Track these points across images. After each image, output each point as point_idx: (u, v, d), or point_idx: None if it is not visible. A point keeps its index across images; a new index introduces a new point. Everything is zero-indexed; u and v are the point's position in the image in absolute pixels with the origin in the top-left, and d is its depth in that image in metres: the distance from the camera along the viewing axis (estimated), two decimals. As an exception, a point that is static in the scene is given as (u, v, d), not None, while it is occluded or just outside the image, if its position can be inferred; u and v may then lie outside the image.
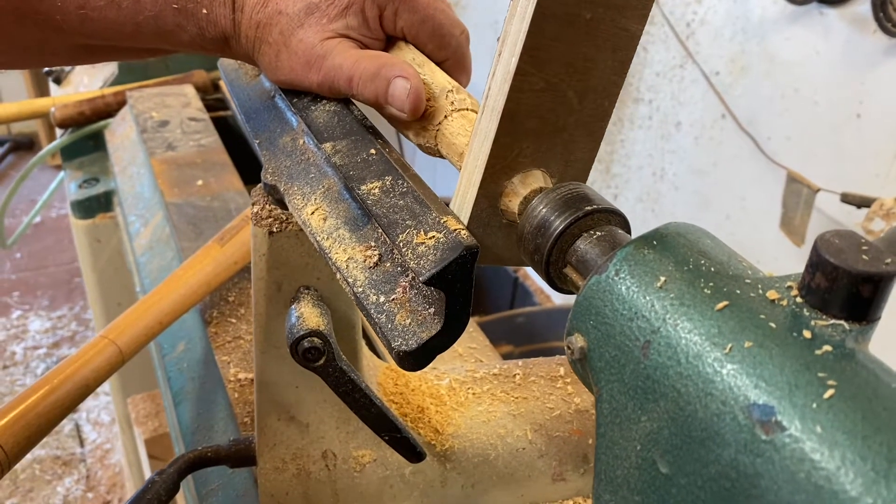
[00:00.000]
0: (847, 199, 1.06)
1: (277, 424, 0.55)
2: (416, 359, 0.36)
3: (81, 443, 2.15)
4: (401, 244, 0.37)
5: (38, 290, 2.69)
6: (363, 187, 0.41)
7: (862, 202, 1.03)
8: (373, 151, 0.43)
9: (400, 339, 0.37)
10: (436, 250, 0.35)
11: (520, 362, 0.65)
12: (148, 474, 1.54)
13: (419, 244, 0.36)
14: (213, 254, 0.77)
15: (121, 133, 1.23)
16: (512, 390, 0.61)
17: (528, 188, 0.37)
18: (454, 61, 0.49)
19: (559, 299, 2.21)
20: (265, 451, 0.55)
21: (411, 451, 0.51)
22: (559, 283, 0.35)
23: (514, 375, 0.63)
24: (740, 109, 1.35)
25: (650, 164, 1.62)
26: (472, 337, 0.77)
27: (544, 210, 0.35)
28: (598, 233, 0.33)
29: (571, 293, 0.35)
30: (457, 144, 0.42)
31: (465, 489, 0.57)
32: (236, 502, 0.63)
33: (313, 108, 0.49)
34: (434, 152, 0.45)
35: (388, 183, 0.40)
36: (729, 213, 1.42)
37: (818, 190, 1.14)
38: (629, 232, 0.34)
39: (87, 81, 1.49)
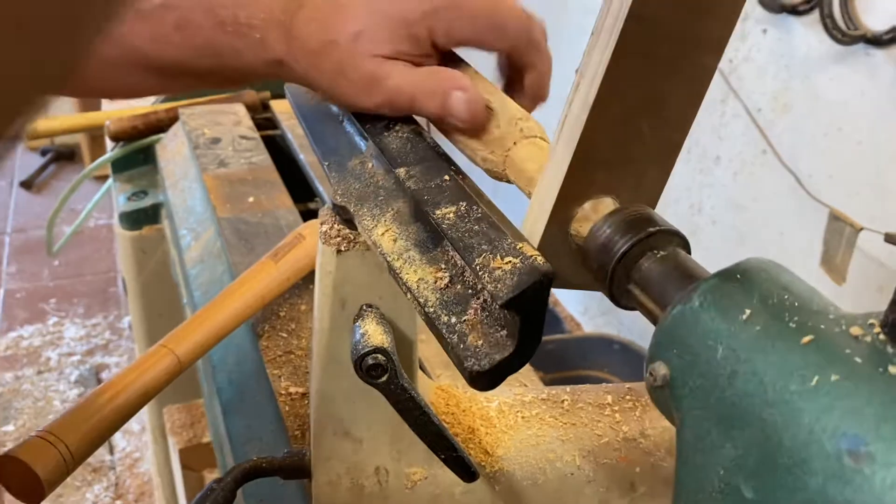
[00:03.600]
0: (891, 239, 1.06)
1: (333, 439, 0.56)
2: (488, 379, 0.38)
3: (111, 450, 2.18)
4: (477, 268, 0.38)
5: (75, 298, 2.74)
6: (438, 212, 0.43)
7: (906, 243, 1.03)
8: (447, 177, 0.45)
9: (473, 360, 0.38)
10: (513, 275, 0.37)
11: (567, 388, 0.66)
12: (180, 484, 1.56)
13: (496, 268, 0.37)
14: (268, 269, 0.79)
15: (172, 148, 1.27)
16: (560, 416, 0.62)
17: (598, 214, 0.38)
18: (522, 46, 0.50)
19: (589, 327, 2.21)
20: (320, 464, 0.56)
21: (466, 470, 0.52)
22: (623, 301, 0.36)
23: (563, 401, 0.64)
24: (782, 146, 1.35)
25: (687, 197, 1.63)
26: (517, 361, 0.78)
27: (609, 230, 0.37)
28: (662, 252, 0.35)
29: (634, 309, 0.37)
30: (526, 170, 0.44)
31: (513, 511, 0.58)
32: (285, 514, 0.64)
33: (386, 134, 0.51)
34: (502, 177, 0.46)
35: (462, 208, 0.42)
36: (767, 249, 1.42)
37: (861, 229, 1.14)
38: (689, 252, 0.36)
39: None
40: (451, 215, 0.42)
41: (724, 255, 1.57)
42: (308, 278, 0.86)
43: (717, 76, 1.50)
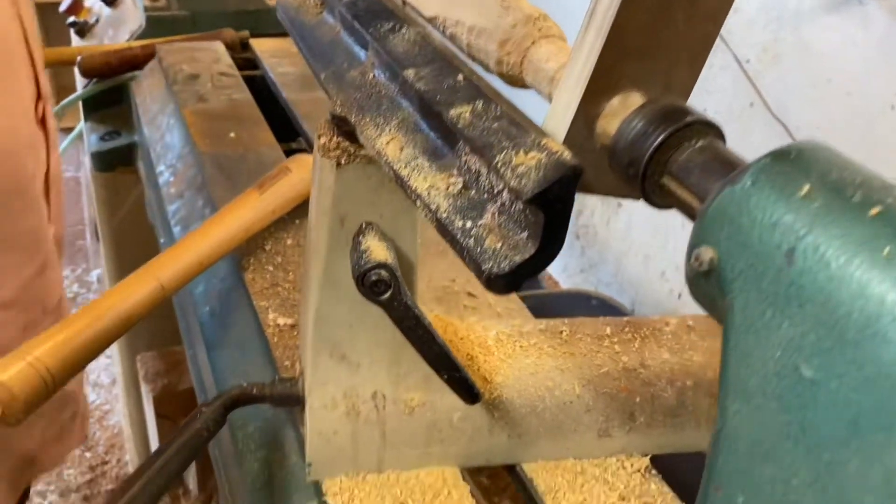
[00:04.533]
0: (879, 189, 1.05)
1: (329, 362, 0.54)
2: (507, 281, 0.36)
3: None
4: (498, 165, 0.36)
5: (42, 250, 2.67)
6: (452, 111, 0.40)
7: None
8: (460, 77, 0.42)
9: (491, 262, 0.36)
10: (538, 170, 0.34)
11: (566, 320, 0.64)
12: (153, 433, 1.53)
13: (518, 164, 0.35)
14: (253, 200, 0.77)
15: (148, 85, 1.22)
16: (559, 346, 0.61)
17: (627, 110, 0.36)
18: None
19: (567, 285, 2.21)
20: (316, 389, 0.54)
21: (469, 391, 0.51)
22: (655, 197, 0.35)
23: (561, 332, 0.62)
24: (771, 98, 1.34)
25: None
26: (511, 298, 0.77)
27: (641, 123, 0.35)
28: (700, 142, 0.33)
29: (668, 207, 0.35)
30: (546, 69, 0.42)
31: (512, 439, 0.57)
32: (274, 444, 0.62)
33: (391, 37, 0.48)
34: (518, 81, 0.44)
35: (479, 107, 0.40)
36: (750, 202, 1.41)
37: (848, 180, 1.13)
38: (725, 143, 0.34)
39: (111, 34, 1.48)
40: (467, 114, 0.39)
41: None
42: (294, 213, 0.84)
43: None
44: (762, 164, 0.28)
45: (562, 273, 2.19)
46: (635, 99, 0.36)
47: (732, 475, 0.26)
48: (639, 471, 0.59)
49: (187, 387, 1.39)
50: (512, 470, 0.59)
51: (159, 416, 1.42)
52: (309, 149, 1.05)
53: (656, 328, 0.64)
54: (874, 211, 0.24)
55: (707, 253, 0.28)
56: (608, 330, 0.63)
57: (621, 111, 0.36)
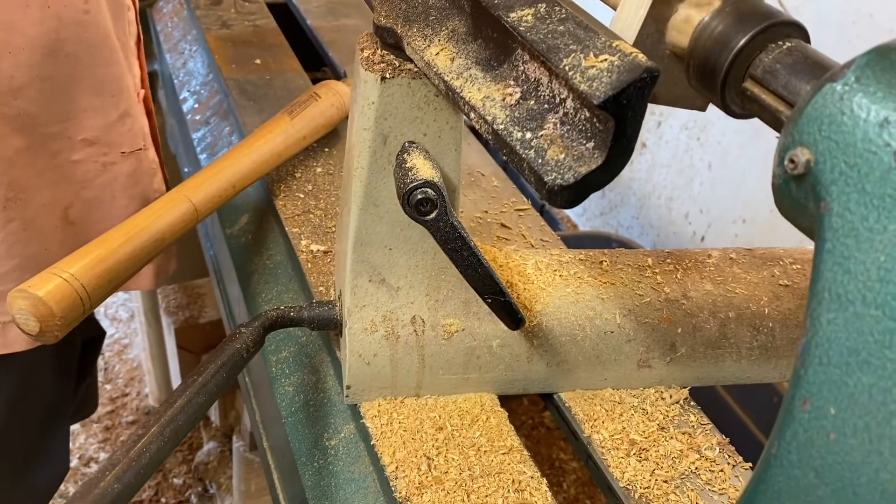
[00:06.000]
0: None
1: (368, 286, 0.53)
2: (572, 193, 0.34)
3: (100, 336, 2.16)
4: (566, 68, 0.34)
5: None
6: (512, 14, 0.38)
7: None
8: (519, -19, 0.40)
9: (554, 174, 0.35)
10: (610, 73, 0.33)
11: (605, 251, 0.63)
12: (175, 366, 1.55)
13: (589, 67, 0.33)
14: (283, 125, 0.75)
15: (169, 11, 1.19)
16: (600, 275, 0.59)
17: (702, 13, 0.34)
18: None
19: (586, 226, 2.19)
20: (355, 311, 0.53)
21: (513, 315, 0.50)
22: (735, 106, 0.33)
23: (601, 262, 0.61)
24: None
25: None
26: (544, 230, 0.75)
27: (721, 26, 0.33)
28: (787, 44, 0.31)
29: (748, 116, 0.33)
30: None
31: (550, 367, 0.56)
32: (309, 369, 0.62)
33: (443, -58, 0.46)
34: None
35: (542, 10, 0.37)
36: (781, 144, 1.38)
37: None
38: (809, 43, 0.32)
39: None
40: (530, 17, 0.37)
41: (737, 149, 1.53)
42: (322, 141, 0.82)
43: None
44: (867, 59, 0.26)
45: (581, 216, 2.17)
46: (708, 2, 0.34)
47: (824, 386, 0.25)
48: (678, 402, 0.58)
49: (209, 320, 1.40)
50: (549, 398, 0.59)
51: (181, 348, 1.43)
52: (335, 76, 1.02)
53: (699, 260, 0.62)
54: None
55: (803, 154, 0.26)
56: (649, 261, 0.62)
57: (695, 15, 0.34)
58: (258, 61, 0.97)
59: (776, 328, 0.59)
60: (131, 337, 2.17)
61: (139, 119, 0.72)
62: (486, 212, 0.78)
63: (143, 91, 0.74)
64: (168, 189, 0.79)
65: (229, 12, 1.10)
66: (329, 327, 0.57)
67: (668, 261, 0.62)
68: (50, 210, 0.67)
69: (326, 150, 0.82)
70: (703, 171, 1.62)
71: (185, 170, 1.02)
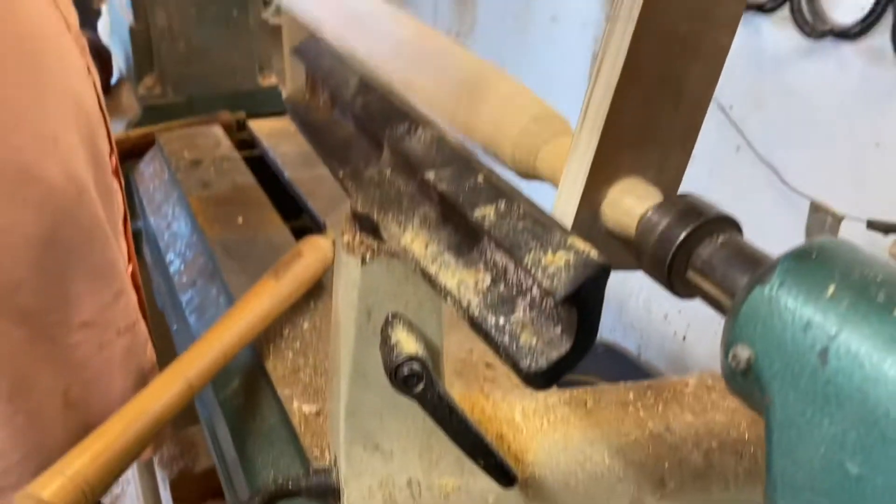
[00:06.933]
0: (873, 225, 1.08)
1: (363, 454, 0.55)
2: (546, 377, 0.37)
3: (91, 489, 2.12)
4: (528, 265, 0.38)
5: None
6: (476, 212, 0.42)
7: (888, 228, 1.05)
8: (480, 178, 0.44)
9: (528, 359, 0.38)
10: (568, 270, 0.36)
11: (588, 389, 0.66)
12: (170, 517, 1.51)
13: (548, 265, 0.37)
14: (269, 289, 0.78)
15: (150, 173, 1.24)
16: (585, 416, 0.62)
17: (639, 201, 0.38)
18: None
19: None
20: (351, 480, 0.55)
21: (505, 475, 0.51)
22: (680, 290, 0.36)
23: (585, 402, 0.64)
24: (757, 142, 1.38)
25: (664, 196, 1.65)
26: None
27: (662, 221, 0.37)
28: (721, 238, 0.35)
29: (691, 297, 0.36)
30: (558, 168, 0.44)
31: (547, 515, 0.58)
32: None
33: (409, 138, 0.51)
34: (531, 174, 0.46)
35: (502, 207, 0.41)
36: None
37: (843, 218, 1.17)
38: (741, 235, 0.36)
39: (109, 124, 1.51)
40: (491, 215, 0.41)
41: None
42: (308, 295, 0.85)
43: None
44: (788, 263, 0.30)
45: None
46: (634, 183, 0.38)
47: (790, 568, 0.27)
48: (674, 536, 0.59)
49: (203, 469, 1.39)
50: (549, 545, 0.60)
51: (176, 500, 1.41)
52: (314, 226, 1.07)
53: (677, 390, 0.65)
54: (900, 311, 0.26)
55: (744, 352, 0.29)
56: (631, 395, 0.64)
57: (637, 208, 0.38)
58: (240, 219, 1.02)
59: (758, 452, 0.61)
60: (124, 486, 2.13)
61: (131, 295, 0.75)
62: (471, 351, 0.80)
63: (130, 266, 0.78)
64: (157, 352, 0.82)
65: (209, 172, 1.15)
66: (328, 496, 0.58)
67: (649, 393, 0.65)
68: (51, 395, 0.68)
69: (311, 304, 0.85)
70: (677, 273, 1.67)
71: (174, 327, 1.04)
